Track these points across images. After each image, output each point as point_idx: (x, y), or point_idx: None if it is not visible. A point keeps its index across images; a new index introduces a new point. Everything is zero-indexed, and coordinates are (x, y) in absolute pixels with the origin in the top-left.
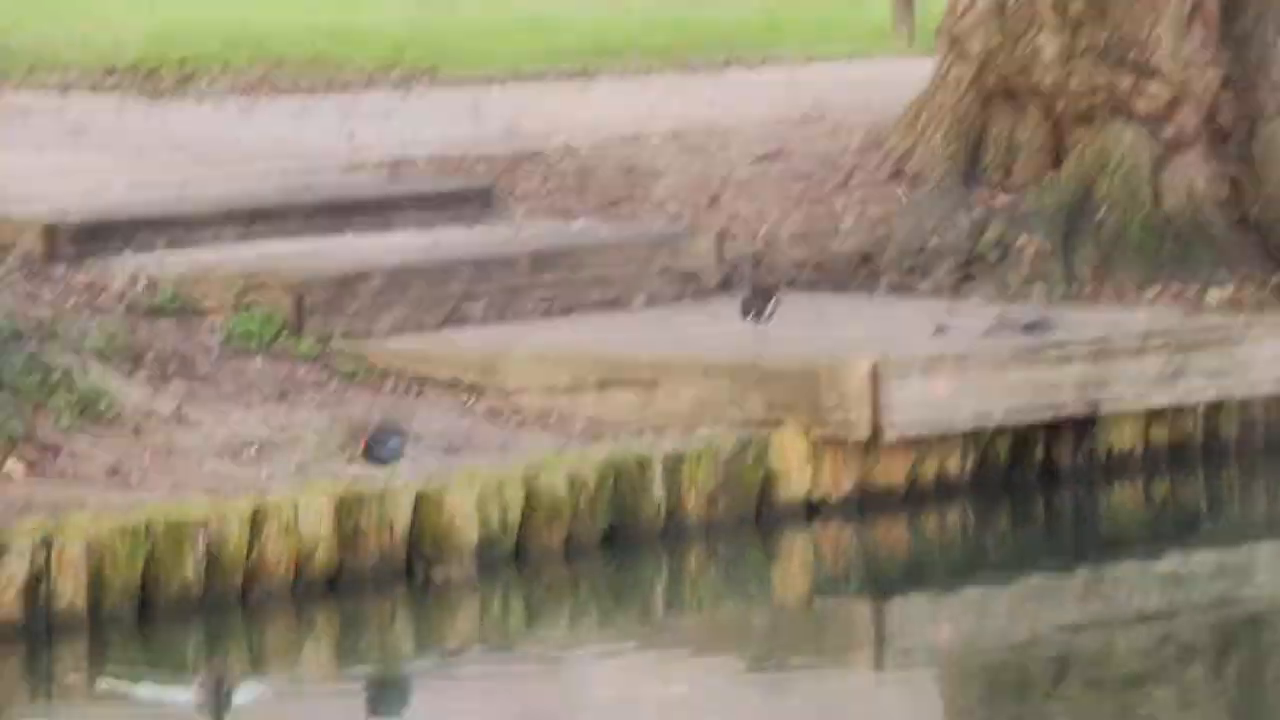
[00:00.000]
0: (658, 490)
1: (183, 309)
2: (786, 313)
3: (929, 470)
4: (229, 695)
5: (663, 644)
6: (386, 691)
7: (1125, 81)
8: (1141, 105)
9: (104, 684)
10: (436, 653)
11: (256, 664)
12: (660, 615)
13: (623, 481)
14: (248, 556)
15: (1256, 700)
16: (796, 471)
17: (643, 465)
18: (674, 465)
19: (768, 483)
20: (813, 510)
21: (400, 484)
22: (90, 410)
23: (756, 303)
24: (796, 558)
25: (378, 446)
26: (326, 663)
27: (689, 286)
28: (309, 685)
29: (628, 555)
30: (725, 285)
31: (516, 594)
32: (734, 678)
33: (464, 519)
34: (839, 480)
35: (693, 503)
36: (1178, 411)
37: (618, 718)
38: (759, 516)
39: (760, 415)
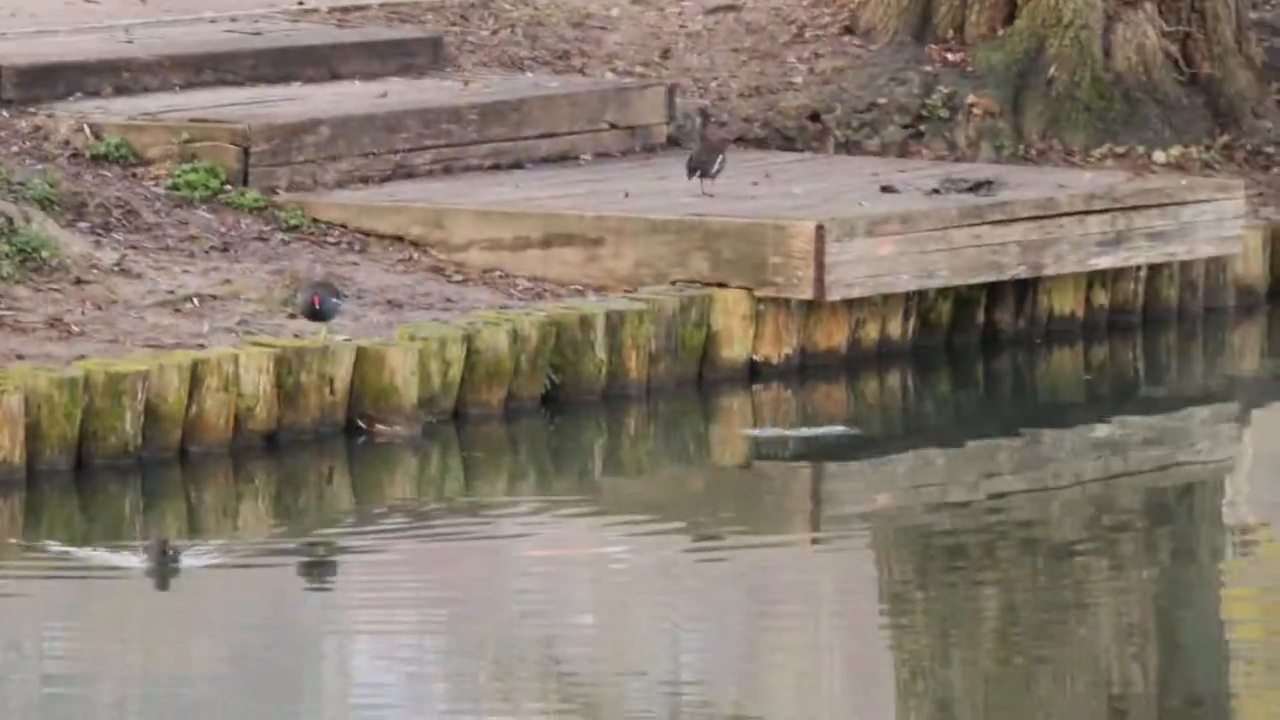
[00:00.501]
0: (599, 350)
1: (127, 158)
2: (734, 170)
3: (870, 333)
4: (175, 559)
5: (601, 507)
6: (319, 559)
7: None
8: None
9: (50, 546)
10: (372, 513)
11: (194, 521)
12: (599, 477)
13: (564, 340)
14: (186, 412)
15: (1187, 565)
16: (739, 333)
17: (585, 324)
18: (616, 325)
19: (710, 344)
20: (754, 372)
21: (341, 340)
22: (31, 260)
23: (703, 160)
24: (736, 421)
25: (318, 302)
26: (264, 522)
27: (638, 142)
28: (247, 546)
29: (568, 416)
30: (674, 142)
31: (455, 453)
32: (670, 542)
33: (404, 377)
34: (781, 342)
35: (634, 363)
36: (1119, 274)
37: (552, 582)
38: (700, 378)
39: (705, 275)
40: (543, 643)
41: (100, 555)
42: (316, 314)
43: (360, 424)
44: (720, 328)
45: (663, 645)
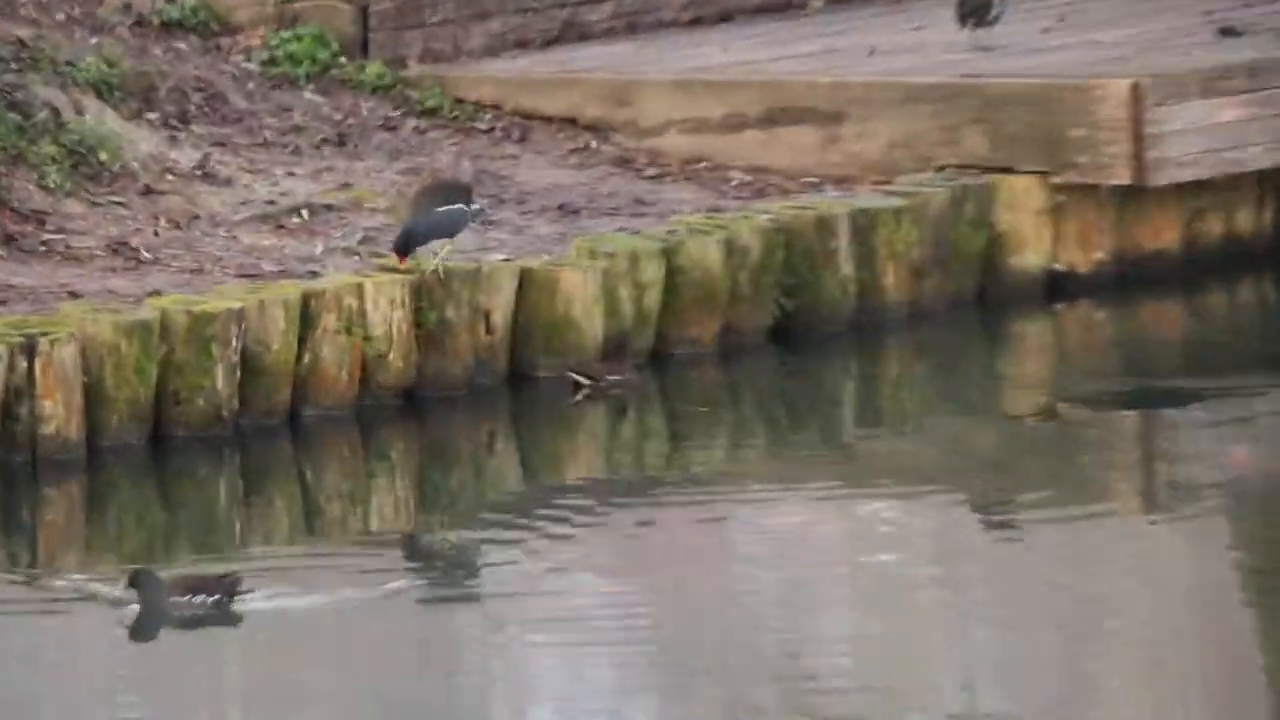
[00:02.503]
0: (845, 263)
1: (207, 25)
2: (1017, 12)
3: (1212, 229)
4: (225, 598)
5: (854, 474)
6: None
7: None
8: None
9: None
10: (551, 494)
11: (310, 515)
12: (850, 435)
13: (797, 253)
14: (297, 363)
15: None
16: (1032, 233)
17: (824, 229)
18: (866, 228)
19: (993, 250)
20: (1055, 286)
21: (498, 263)
22: (85, 164)
23: (977, 1)
24: (1032, 354)
25: (402, 240)
26: (404, 512)
27: None
28: (382, 547)
29: (805, 353)
30: None
31: (657, 409)
32: (950, 520)
33: (584, 308)
34: (1090, 244)
35: (892, 279)
36: None
37: (798, 575)
38: (981, 297)
39: (983, 158)
40: (788, 655)
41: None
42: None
43: (573, 377)
44: (1006, 227)
45: (949, 660)
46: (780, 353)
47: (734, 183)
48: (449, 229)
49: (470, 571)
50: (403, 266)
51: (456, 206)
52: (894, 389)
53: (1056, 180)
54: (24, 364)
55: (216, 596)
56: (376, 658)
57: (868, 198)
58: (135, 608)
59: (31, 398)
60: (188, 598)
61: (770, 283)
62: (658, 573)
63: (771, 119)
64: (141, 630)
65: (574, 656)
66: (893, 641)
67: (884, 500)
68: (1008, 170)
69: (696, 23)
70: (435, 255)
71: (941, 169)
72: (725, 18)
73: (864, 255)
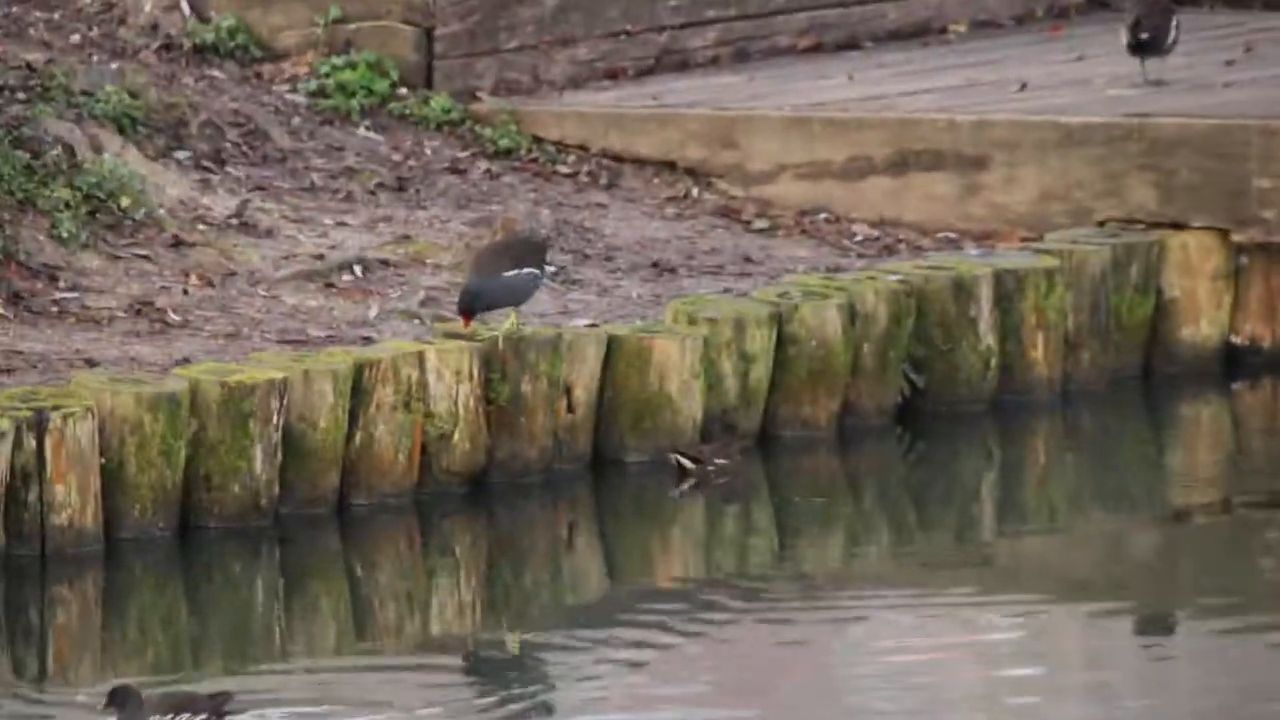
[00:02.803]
0: (985, 333)
1: (247, 49)
2: (1192, 41)
3: None
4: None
5: (992, 581)
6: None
7: None
8: None
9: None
10: (638, 599)
11: (360, 622)
12: (989, 534)
13: (930, 319)
14: (347, 445)
15: None
16: (1207, 301)
17: (962, 292)
18: (1012, 293)
19: (1162, 319)
20: (1233, 362)
21: (582, 329)
22: (104, 211)
23: (1151, 28)
24: (1205, 442)
25: (465, 302)
26: (467, 617)
27: (1039, 2)
28: (448, 661)
29: (937, 437)
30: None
31: (764, 501)
32: (1106, 636)
33: (680, 382)
34: (1277, 314)
35: (1041, 352)
36: None
37: (931, 704)
38: (1146, 374)
39: (1151, 211)
40: None
41: None
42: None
43: (676, 461)
44: (1177, 293)
45: None
46: (908, 436)
47: (857, 238)
48: (516, 297)
49: (542, 691)
50: (466, 329)
51: (527, 272)
52: (1041, 481)
53: (1238, 238)
54: (33, 442)
55: (204, 716)
56: None
57: (1014, 257)
58: None
59: (41, 482)
60: (170, 718)
61: (898, 355)
62: (765, 698)
63: (902, 164)
64: None
65: None
66: None
67: (1027, 612)
68: (1180, 226)
69: (816, 50)
70: (502, 323)
71: (1102, 224)
72: (850, 45)
73: (1009, 324)
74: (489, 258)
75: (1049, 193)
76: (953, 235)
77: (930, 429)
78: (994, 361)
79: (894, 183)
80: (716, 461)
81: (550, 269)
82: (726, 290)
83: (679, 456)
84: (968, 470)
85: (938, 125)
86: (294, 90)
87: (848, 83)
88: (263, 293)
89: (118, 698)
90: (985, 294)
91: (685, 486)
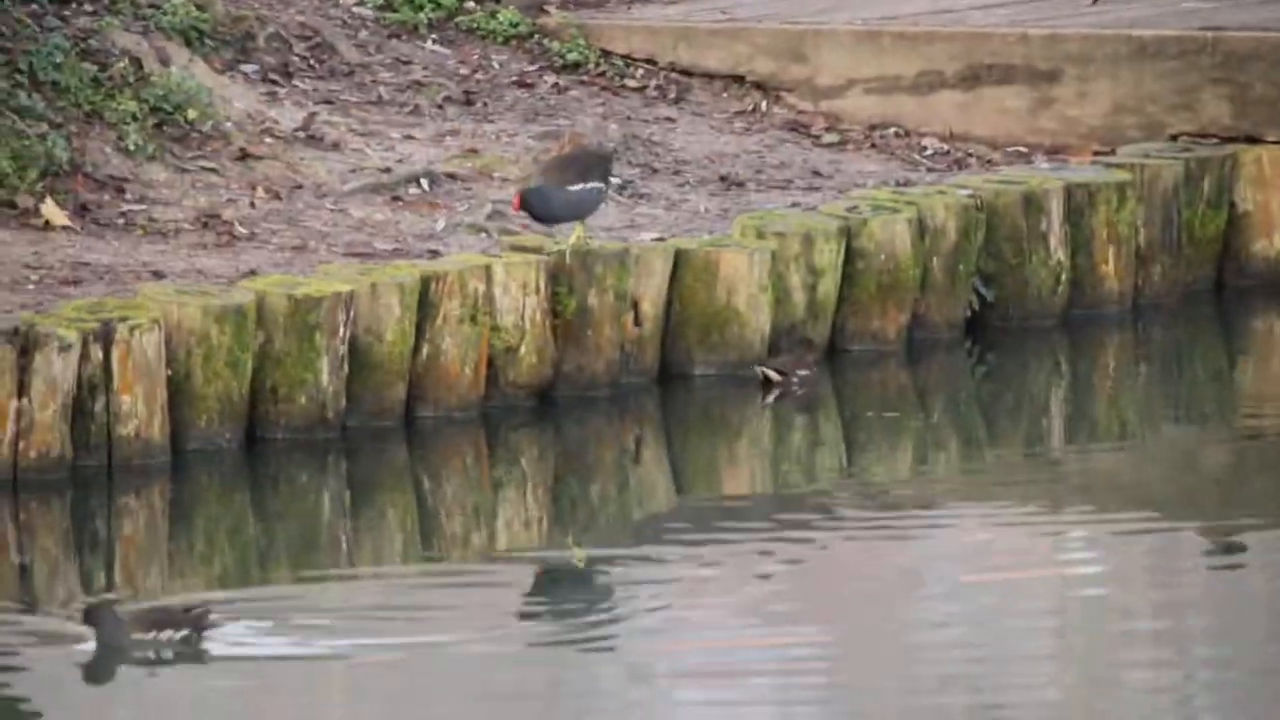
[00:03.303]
0: (1056, 247)
1: None
2: None
3: None
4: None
5: (1061, 496)
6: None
7: None
8: None
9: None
10: (706, 513)
11: (426, 533)
12: (1058, 449)
13: (1000, 234)
14: (414, 357)
15: None
16: None
17: (1033, 206)
18: (1083, 206)
19: (1235, 233)
20: None
21: (649, 243)
22: (170, 124)
23: None
24: (1278, 352)
25: (519, 203)
26: (534, 530)
27: None
28: (510, 570)
29: (1006, 352)
30: None
31: (832, 414)
32: (1176, 552)
33: (748, 295)
34: None
35: (1113, 266)
36: None
37: (1000, 620)
38: (1218, 288)
39: (1225, 125)
40: (986, 709)
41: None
42: (535, 216)
43: (762, 374)
44: (1250, 206)
45: (1163, 707)
46: (977, 350)
47: (927, 152)
48: (580, 210)
49: (608, 608)
50: (515, 211)
51: (593, 185)
52: (1111, 395)
53: None
54: (100, 354)
55: (185, 631)
56: (489, 716)
57: (1085, 171)
58: (92, 646)
59: (108, 393)
60: (152, 634)
61: (968, 269)
62: (832, 612)
63: (973, 78)
64: (96, 673)
65: (731, 717)
66: (1104, 687)
67: (1096, 526)
68: (1254, 140)
69: None
70: (569, 236)
71: (1174, 138)
72: None
73: (1080, 238)
74: (554, 171)
75: (1121, 107)
76: (1023, 150)
77: (999, 343)
78: (1064, 276)
79: (965, 97)
80: (799, 373)
81: (615, 182)
82: (795, 204)
83: (765, 370)
84: (1037, 384)
85: (1009, 39)
86: (361, 3)
87: None
88: (329, 206)
89: (94, 615)
90: (1056, 208)
91: (770, 398)
